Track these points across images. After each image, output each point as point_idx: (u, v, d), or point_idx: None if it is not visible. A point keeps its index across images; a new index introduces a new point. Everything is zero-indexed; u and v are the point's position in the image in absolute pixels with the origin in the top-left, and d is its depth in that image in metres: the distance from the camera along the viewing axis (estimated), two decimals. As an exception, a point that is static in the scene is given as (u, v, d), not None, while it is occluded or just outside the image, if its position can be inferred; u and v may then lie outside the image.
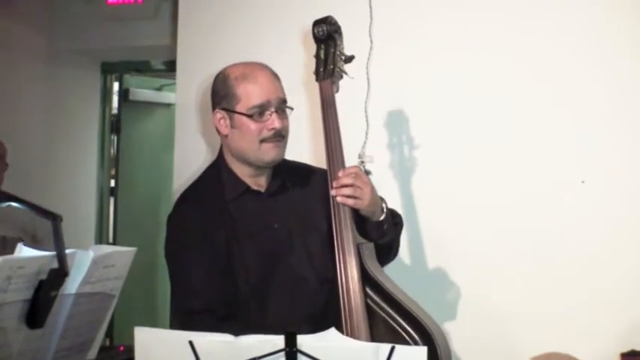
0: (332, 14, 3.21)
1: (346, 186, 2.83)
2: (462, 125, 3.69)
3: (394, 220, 3.05)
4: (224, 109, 2.92)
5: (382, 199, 2.98)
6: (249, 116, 2.86)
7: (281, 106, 2.91)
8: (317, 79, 3.03)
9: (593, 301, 3.45)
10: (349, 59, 3.08)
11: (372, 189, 2.90)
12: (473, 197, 3.66)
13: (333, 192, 2.85)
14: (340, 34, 3.07)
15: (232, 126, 2.92)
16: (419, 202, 3.69)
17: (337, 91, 3.04)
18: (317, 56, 3.06)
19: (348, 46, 3.56)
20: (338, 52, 3.05)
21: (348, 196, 2.84)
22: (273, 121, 2.87)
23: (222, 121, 2.94)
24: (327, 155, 2.95)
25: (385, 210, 2.95)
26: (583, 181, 3.51)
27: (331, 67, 3.02)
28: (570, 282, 3.49)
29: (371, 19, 3.77)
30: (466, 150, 3.68)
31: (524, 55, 3.60)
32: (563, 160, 3.55)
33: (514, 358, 3.51)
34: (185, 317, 2.89)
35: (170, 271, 3.00)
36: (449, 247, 3.67)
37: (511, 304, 3.57)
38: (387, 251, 3.04)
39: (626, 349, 3.32)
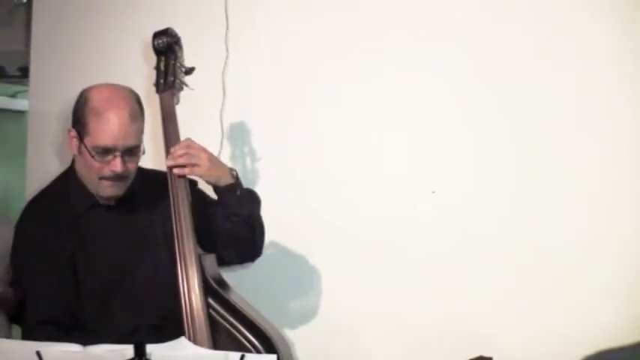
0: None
1: (180, 156, 2.85)
2: (319, 134, 3.72)
3: (251, 194, 3.08)
4: (77, 131, 2.89)
5: (232, 168, 3.03)
6: (92, 156, 2.84)
7: (127, 152, 2.89)
8: (157, 91, 3.05)
9: (441, 308, 3.53)
10: (189, 71, 3.12)
11: (210, 155, 2.95)
12: (327, 206, 3.68)
13: (169, 162, 2.89)
14: (180, 46, 3.10)
15: (79, 152, 2.91)
16: (274, 210, 3.69)
17: (178, 102, 3.08)
18: (157, 68, 3.08)
19: (204, 55, 3.57)
20: (178, 64, 3.09)
21: (184, 165, 2.85)
22: (115, 165, 2.86)
23: (73, 141, 2.94)
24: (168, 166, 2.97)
25: (235, 175, 2.99)
26: (433, 192, 3.58)
27: (172, 78, 3.06)
28: (419, 290, 3.55)
29: (227, 27, 3.77)
30: (322, 159, 3.71)
31: (373, 63, 3.63)
32: (414, 170, 3.60)
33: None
34: (29, 327, 2.86)
35: (13, 281, 2.95)
36: (302, 256, 3.69)
37: (360, 314, 3.61)
38: (250, 230, 3.06)
39: (473, 355, 3.41)
